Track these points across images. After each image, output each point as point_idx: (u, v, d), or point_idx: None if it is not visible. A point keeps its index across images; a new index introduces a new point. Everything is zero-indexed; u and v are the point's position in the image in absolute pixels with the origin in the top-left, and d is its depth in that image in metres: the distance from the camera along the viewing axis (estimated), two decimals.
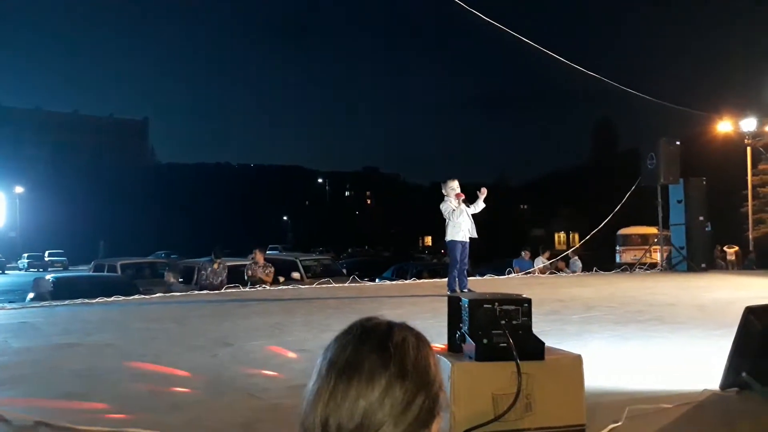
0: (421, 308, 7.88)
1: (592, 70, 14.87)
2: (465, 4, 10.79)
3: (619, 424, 2.78)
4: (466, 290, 8.72)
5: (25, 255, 50.20)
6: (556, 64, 13.71)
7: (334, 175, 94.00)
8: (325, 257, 20.73)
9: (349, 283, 12.65)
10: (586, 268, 16.59)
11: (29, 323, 7.34)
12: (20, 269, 47.96)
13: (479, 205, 9.14)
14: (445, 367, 2.74)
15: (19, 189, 55.18)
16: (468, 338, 2.82)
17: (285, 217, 77.50)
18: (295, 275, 14.42)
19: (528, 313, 2.81)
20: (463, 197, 8.98)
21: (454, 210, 8.91)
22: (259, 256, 12.37)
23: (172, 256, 35.61)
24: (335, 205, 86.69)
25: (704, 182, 15.37)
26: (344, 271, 17.25)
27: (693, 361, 4.43)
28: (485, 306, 2.79)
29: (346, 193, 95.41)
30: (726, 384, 3.43)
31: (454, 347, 2.98)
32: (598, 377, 3.77)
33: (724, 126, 22.99)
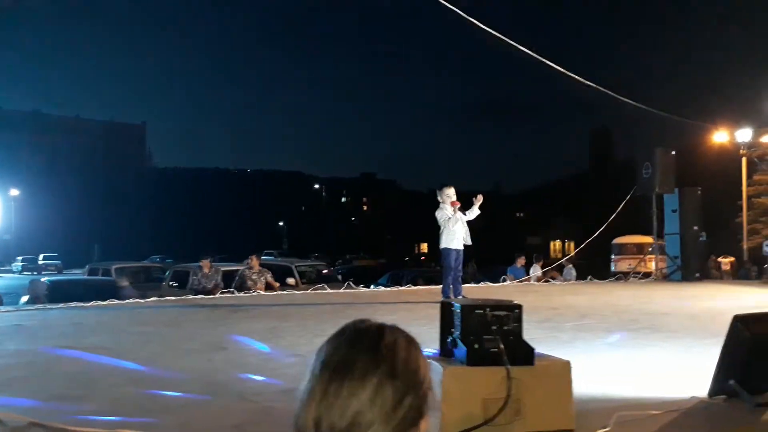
0: (416, 314, 7.90)
1: (590, 79, 14.94)
2: (464, 12, 10.86)
3: (608, 429, 2.81)
4: (460, 297, 8.74)
5: (19, 258, 50.02)
6: (554, 73, 13.78)
7: (331, 180, 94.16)
8: (321, 263, 20.74)
9: (343, 289, 12.67)
10: (581, 276, 16.63)
11: (24, 326, 7.34)
12: (14, 272, 47.78)
13: (474, 212, 9.17)
14: (436, 371, 2.78)
15: (14, 192, 55.08)
16: (460, 343, 2.86)
17: (281, 223, 77.47)
18: (291, 281, 14.44)
19: (519, 319, 2.85)
20: (458, 205, 9.00)
21: (449, 218, 8.93)
22: (255, 262, 12.40)
23: (167, 261, 35.58)
24: (332, 211, 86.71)
25: (699, 192, 15.44)
26: (339, 277, 17.29)
27: (683, 369, 4.47)
28: (477, 311, 2.83)
29: (343, 199, 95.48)
30: (714, 392, 3.46)
31: (446, 352, 3.02)
32: (588, 384, 3.81)
33: (719, 136, 23.13)
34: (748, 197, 23.35)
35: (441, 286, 9.55)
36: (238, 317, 7.89)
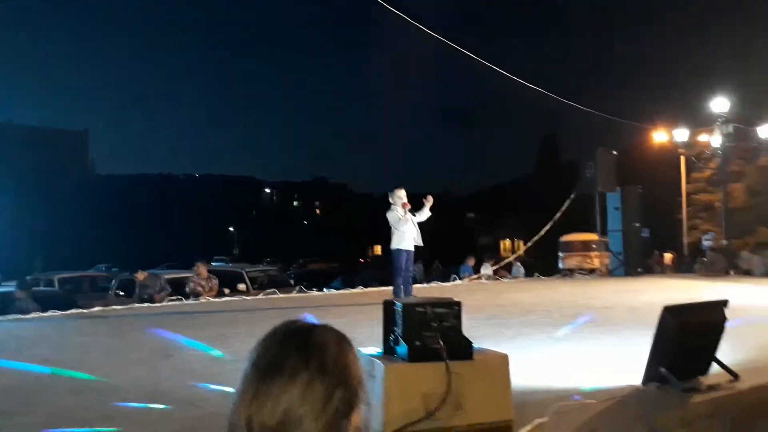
0: (366, 315, 7.92)
1: (535, 82, 15.31)
2: (411, 16, 10.99)
3: (545, 419, 2.90)
4: (411, 297, 8.83)
5: None
6: (502, 76, 14.06)
7: (283, 185, 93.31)
8: (272, 268, 20.56)
9: (295, 293, 12.61)
10: (529, 273, 17.00)
11: None
12: None
13: (425, 213, 9.28)
14: (378, 368, 2.82)
15: None
16: (401, 341, 2.91)
17: (231, 228, 76.35)
18: (242, 287, 14.29)
19: (458, 316, 2.92)
20: (409, 207, 9.11)
21: (400, 219, 9.02)
22: (202, 269, 12.23)
23: (113, 270, 34.60)
24: (284, 216, 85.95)
25: (640, 190, 15.97)
26: (291, 281, 17.18)
27: (621, 359, 4.63)
28: (418, 309, 2.89)
29: (295, 203, 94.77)
30: (647, 379, 3.61)
31: (389, 350, 3.06)
32: (529, 377, 3.92)
33: (659, 136, 23.95)
34: (688, 194, 24.23)
35: (392, 288, 9.63)
36: (185, 324, 7.76)
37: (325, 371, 1.17)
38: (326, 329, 1.26)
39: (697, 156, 23.82)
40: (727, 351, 3.88)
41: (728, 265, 15.75)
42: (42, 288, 15.17)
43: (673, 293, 9.83)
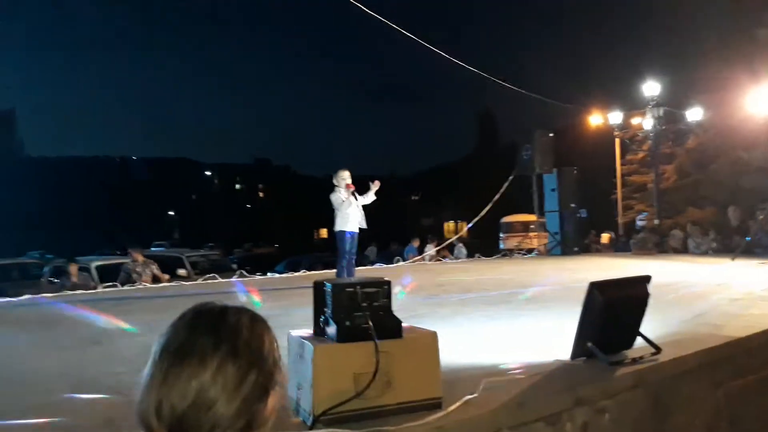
0: (306, 299, 7.82)
1: (473, 62, 15.40)
2: None
3: (475, 395, 2.94)
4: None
5: None
6: (442, 57, 14.08)
7: (223, 167, 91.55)
8: (214, 252, 20.22)
9: (236, 278, 12.43)
10: (472, 254, 17.27)
11: None
12: None
13: (370, 197, 9.28)
14: (308, 350, 2.79)
15: None
16: (331, 321, 2.89)
17: (171, 212, 74.61)
18: (182, 272, 14.00)
19: (388, 295, 2.91)
20: (353, 188, 9.08)
21: (343, 201, 8.99)
22: (137, 255, 11.91)
23: (47, 256, 33.34)
24: (225, 199, 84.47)
25: (575, 171, 16.38)
26: (234, 266, 16.94)
27: (553, 335, 4.75)
28: (347, 290, 2.87)
29: (237, 186, 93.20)
30: (575, 354, 3.72)
31: (319, 331, 3.04)
32: (462, 354, 3.97)
33: (594, 119, 24.58)
34: (622, 175, 25.01)
35: (336, 270, 9.61)
36: (119, 311, 7.54)
37: (237, 354, 1.14)
38: (240, 311, 1.22)
39: (631, 138, 24.58)
40: (650, 325, 4.03)
41: (660, 244, 16.36)
42: None
43: (607, 272, 10.16)
